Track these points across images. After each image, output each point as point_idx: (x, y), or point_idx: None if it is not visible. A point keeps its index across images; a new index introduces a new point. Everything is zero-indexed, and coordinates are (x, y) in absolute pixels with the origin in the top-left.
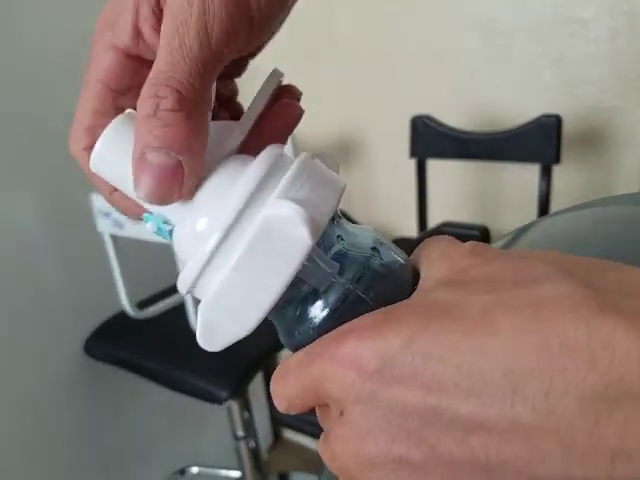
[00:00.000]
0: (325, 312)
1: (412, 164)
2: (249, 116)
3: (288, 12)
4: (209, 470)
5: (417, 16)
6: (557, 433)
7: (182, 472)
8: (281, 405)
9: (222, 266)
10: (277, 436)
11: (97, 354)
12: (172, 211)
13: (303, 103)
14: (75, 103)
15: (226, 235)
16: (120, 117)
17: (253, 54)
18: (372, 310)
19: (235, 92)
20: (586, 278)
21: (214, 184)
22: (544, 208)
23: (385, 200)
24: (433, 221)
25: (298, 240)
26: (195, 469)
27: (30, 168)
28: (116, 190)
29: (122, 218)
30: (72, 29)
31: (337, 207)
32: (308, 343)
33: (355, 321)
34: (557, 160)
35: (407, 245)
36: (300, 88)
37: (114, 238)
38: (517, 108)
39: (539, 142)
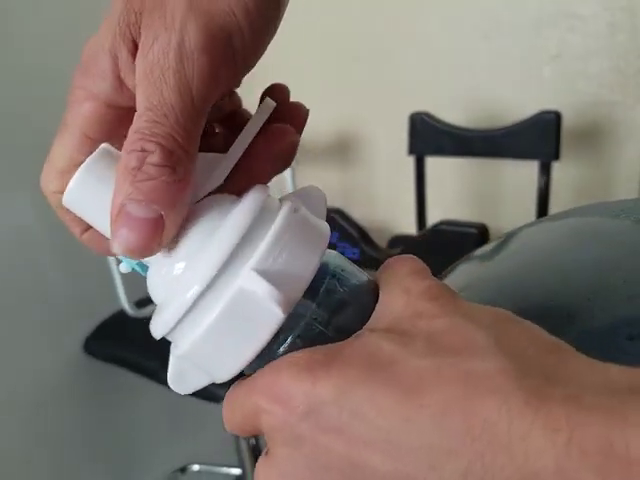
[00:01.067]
0: (283, 342)
1: (411, 161)
2: (237, 148)
3: (278, 24)
4: (210, 468)
5: (416, 14)
6: None
7: (183, 470)
8: (228, 427)
9: (198, 321)
10: None
11: (96, 353)
12: None
13: (302, 101)
14: None
15: (207, 288)
16: (96, 154)
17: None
18: (330, 339)
19: (237, 104)
20: (524, 356)
21: (195, 227)
22: (543, 205)
23: (384, 197)
24: (432, 218)
25: (270, 315)
26: (196, 467)
27: (30, 168)
28: (88, 229)
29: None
30: (73, 30)
31: (317, 267)
32: (260, 366)
33: (296, 355)
34: (556, 156)
35: (406, 242)
36: (299, 86)
37: None
38: (516, 104)
39: (538, 138)
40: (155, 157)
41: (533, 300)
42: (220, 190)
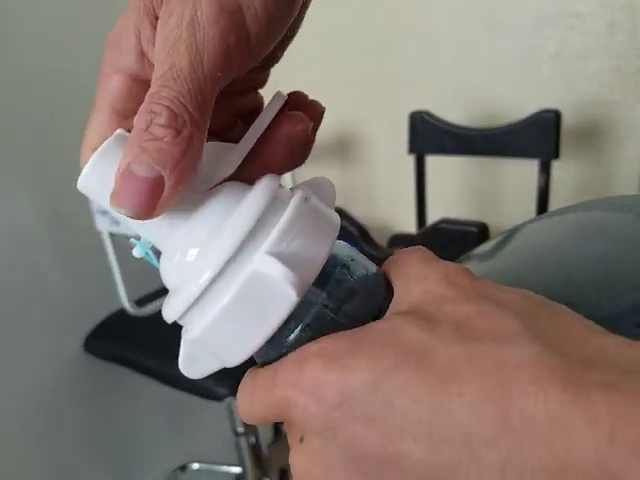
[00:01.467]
0: (294, 329)
1: (411, 160)
2: (249, 137)
3: (301, 13)
4: (210, 466)
5: (416, 12)
6: None
7: (183, 468)
8: (245, 417)
9: (210, 305)
10: (277, 432)
11: (96, 352)
12: (160, 237)
13: None
14: (74, 103)
15: (219, 273)
16: (111, 139)
17: (271, 63)
18: (341, 327)
19: (259, 102)
20: (557, 341)
21: (207, 214)
22: (543, 203)
23: (384, 196)
24: (432, 216)
25: (284, 297)
26: (196, 465)
27: (30, 168)
28: None
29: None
30: (72, 30)
31: (329, 252)
32: (276, 357)
33: (320, 343)
34: (556, 155)
35: (406, 241)
36: (299, 84)
37: (112, 236)
38: (515, 103)
39: (538, 137)
40: (161, 119)
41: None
42: (233, 178)
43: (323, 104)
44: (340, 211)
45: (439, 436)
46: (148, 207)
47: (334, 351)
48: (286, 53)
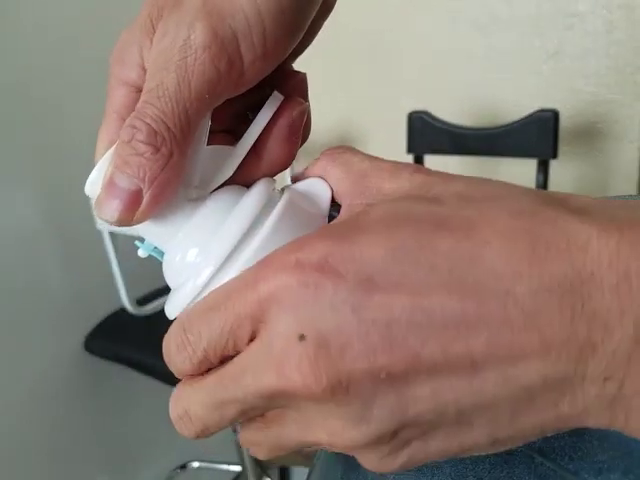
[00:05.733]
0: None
1: (409, 160)
2: (247, 140)
3: (300, 31)
4: (210, 465)
5: (415, 12)
6: (539, 331)
7: (183, 467)
8: (186, 367)
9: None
10: None
11: (97, 351)
12: (163, 239)
13: None
14: (74, 102)
15: (218, 270)
16: (113, 148)
17: (283, 64)
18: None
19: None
20: (546, 196)
21: (206, 217)
22: None
23: None
24: None
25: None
26: (196, 464)
27: (30, 168)
28: None
29: None
30: (71, 30)
31: None
32: None
33: (317, 231)
34: (554, 155)
35: None
36: None
37: (113, 235)
38: (514, 103)
39: (536, 137)
40: (141, 135)
41: None
42: (237, 177)
43: (323, 104)
44: (339, 210)
45: (473, 281)
46: (127, 217)
47: (336, 232)
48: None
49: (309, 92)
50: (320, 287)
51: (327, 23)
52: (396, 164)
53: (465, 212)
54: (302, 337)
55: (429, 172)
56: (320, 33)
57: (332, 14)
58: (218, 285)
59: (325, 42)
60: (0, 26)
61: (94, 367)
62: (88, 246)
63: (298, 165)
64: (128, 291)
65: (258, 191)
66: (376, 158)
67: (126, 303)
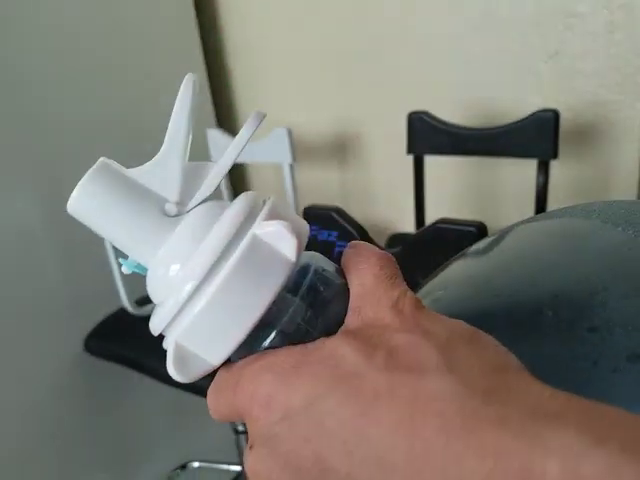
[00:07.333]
0: (267, 336)
1: (409, 160)
2: (228, 157)
3: None
4: (210, 465)
5: (414, 12)
6: None
7: (183, 467)
8: (214, 416)
9: (192, 309)
10: None
11: (97, 351)
12: (146, 256)
13: (301, 101)
14: (74, 103)
15: (199, 285)
16: (95, 166)
17: None
18: (306, 333)
19: None
20: (469, 377)
21: (187, 232)
22: (541, 203)
23: (382, 196)
24: (430, 217)
25: (279, 265)
26: (196, 464)
27: (31, 168)
28: None
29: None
30: (71, 29)
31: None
32: (240, 355)
33: (275, 356)
34: (554, 155)
35: (404, 241)
36: (299, 86)
37: None
38: (514, 103)
39: (536, 137)
40: None
41: (503, 298)
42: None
43: (323, 105)
44: (339, 211)
45: (359, 457)
46: None
47: (283, 368)
48: (286, 54)
49: (309, 94)
50: (256, 419)
51: (327, 23)
52: (386, 294)
53: (379, 379)
54: (251, 447)
55: (400, 311)
56: (320, 33)
57: (332, 14)
58: (200, 300)
59: (325, 42)
60: (0, 26)
61: (94, 367)
62: (88, 246)
63: (298, 165)
64: (128, 292)
65: (239, 205)
66: (383, 279)
67: (126, 303)
